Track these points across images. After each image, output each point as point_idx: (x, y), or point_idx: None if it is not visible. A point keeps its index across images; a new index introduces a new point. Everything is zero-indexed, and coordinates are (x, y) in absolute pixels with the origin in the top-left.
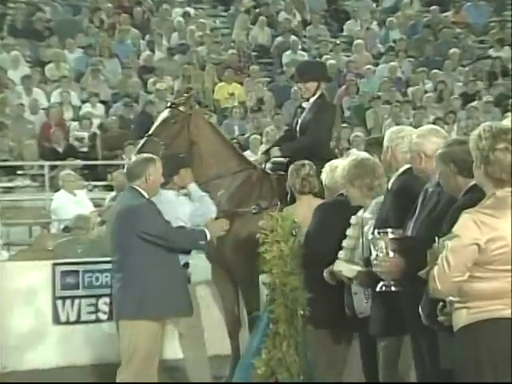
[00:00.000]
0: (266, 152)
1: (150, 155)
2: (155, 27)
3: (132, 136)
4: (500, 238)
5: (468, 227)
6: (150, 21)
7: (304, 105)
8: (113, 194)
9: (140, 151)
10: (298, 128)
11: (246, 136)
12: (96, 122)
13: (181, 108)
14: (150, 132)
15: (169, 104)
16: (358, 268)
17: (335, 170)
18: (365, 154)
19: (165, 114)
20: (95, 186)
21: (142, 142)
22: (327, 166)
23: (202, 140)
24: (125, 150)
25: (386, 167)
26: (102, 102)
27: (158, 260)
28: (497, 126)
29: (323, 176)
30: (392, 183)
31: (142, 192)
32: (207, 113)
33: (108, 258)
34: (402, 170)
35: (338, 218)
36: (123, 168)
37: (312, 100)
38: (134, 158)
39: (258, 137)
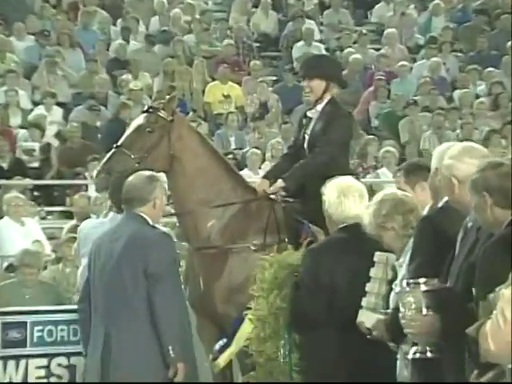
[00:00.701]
0: (270, 175)
1: (152, 173)
2: (130, 9)
3: (98, 148)
4: None
5: None
6: (123, 1)
7: (309, 114)
8: (72, 222)
9: (105, 166)
10: (305, 145)
11: (244, 150)
12: (52, 129)
13: (160, 113)
14: (119, 142)
15: (145, 108)
16: (379, 316)
17: (346, 196)
18: (387, 191)
19: (139, 120)
20: (49, 213)
21: (109, 154)
22: (334, 188)
23: (186, 155)
24: (88, 167)
25: (434, 195)
26: (60, 104)
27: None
28: None
29: (327, 199)
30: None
31: (149, 220)
32: (195, 120)
33: (64, 307)
34: (445, 199)
35: (336, 263)
36: (86, 190)
37: (320, 107)
38: (132, 177)
39: (258, 152)
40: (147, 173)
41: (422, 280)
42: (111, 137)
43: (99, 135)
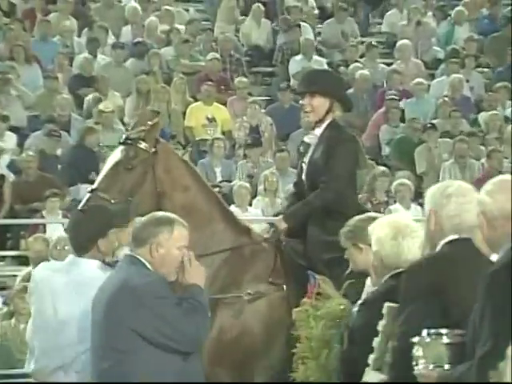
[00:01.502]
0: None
1: (169, 216)
2: (97, 17)
3: (58, 182)
4: None
5: None
6: (89, 7)
7: (307, 139)
8: (28, 269)
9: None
10: (303, 176)
11: (232, 183)
12: (4, 159)
13: (140, 145)
14: (95, 185)
15: (122, 139)
16: (382, 376)
17: (405, 237)
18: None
19: (116, 155)
20: (1, 258)
21: (85, 198)
22: (388, 226)
23: (176, 190)
24: (46, 204)
25: (429, 240)
26: (14, 129)
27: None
28: None
29: (378, 239)
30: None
31: (147, 265)
32: (176, 147)
33: (17, 371)
34: (443, 242)
35: None
36: (44, 231)
37: (318, 132)
38: (144, 218)
39: (247, 185)
40: (161, 214)
41: (443, 331)
42: (74, 167)
43: (60, 166)
